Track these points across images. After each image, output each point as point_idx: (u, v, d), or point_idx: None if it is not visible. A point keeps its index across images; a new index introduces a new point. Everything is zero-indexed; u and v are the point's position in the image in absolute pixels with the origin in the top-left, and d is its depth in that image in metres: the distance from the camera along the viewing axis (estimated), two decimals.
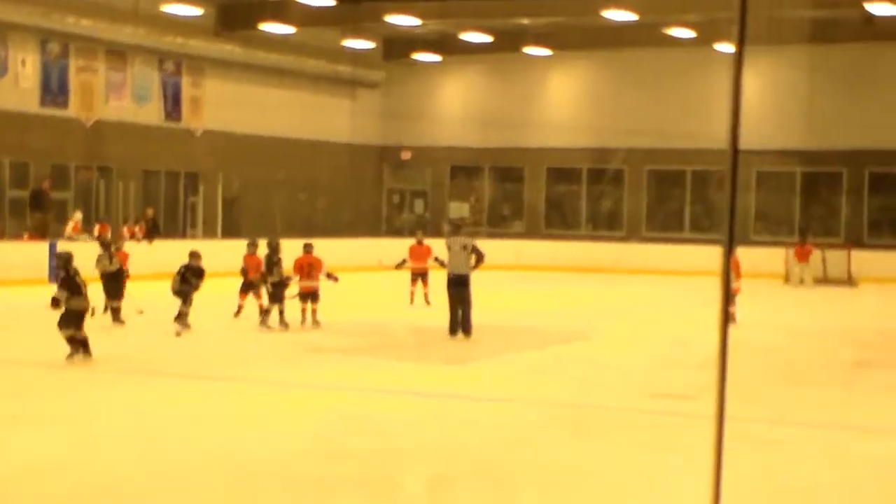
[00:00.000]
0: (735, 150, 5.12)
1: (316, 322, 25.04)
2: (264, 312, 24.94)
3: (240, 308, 26.60)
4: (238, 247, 27.85)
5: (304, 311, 25.01)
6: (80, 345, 18.16)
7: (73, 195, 39.85)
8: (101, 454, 13.24)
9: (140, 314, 25.73)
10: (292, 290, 25.03)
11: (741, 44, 4.64)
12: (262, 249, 26.02)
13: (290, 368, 19.55)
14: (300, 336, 23.64)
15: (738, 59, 4.60)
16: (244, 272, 26.74)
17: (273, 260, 25.03)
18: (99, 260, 25.61)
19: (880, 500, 12.28)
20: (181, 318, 23.86)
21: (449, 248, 24.29)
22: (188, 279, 24.19)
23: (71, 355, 18.15)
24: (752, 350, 22.20)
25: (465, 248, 23.99)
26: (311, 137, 47.80)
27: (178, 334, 23.37)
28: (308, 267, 25.31)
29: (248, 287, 26.61)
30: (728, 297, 4.65)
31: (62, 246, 33.31)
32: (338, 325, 24.63)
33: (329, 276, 25.63)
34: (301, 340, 23.05)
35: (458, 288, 23.65)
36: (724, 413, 5.08)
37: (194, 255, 24.79)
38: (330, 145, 48.90)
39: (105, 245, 26.73)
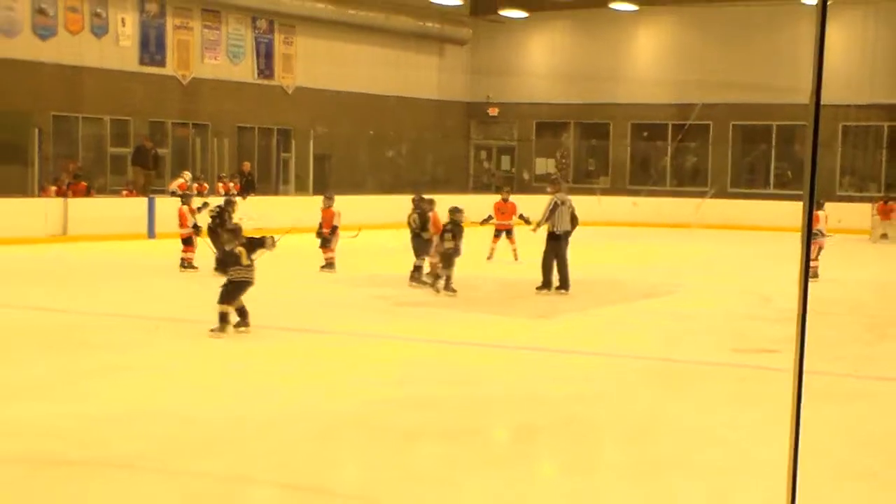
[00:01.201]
0: (818, 104, 5.06)
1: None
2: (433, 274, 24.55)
3: (327, 262, 26.77)
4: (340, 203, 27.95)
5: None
6: (239, 315, 17.77)
7: (171, 151, 40.13)
8: (196, 401, 13.48)
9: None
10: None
11: None
12: (337, 204, 26.71)
13: (379, 321, 19.63)
14: (386, 290, 23.69)
15: (821, 11, 4.52)
16: (320, 226, 26.92)
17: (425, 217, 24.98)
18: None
19: None
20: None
21: (559, 204, 24.22)
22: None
23: (218, 329, 17.54)
24: (835, 305, 22.11)
25: (568, 206, 24.04)
26: (400, 94, 47.94)
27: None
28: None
29: (325, 240, 26.80)
30: (808, 251, 4.56)
31: (163, 203, 33.60)
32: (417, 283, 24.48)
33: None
34: (389, 294, 23.11)
35: (560, 243, 23.69)
36: (803, 366, 5.03)
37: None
38: (418, 101, 48.98)
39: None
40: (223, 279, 18.66)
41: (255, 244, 17.80)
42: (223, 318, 17.49)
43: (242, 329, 17.67)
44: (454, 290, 22.94)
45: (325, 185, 32.55)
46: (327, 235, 26.86)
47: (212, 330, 17.38)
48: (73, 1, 36.92)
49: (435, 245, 23.92)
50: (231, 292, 17.58)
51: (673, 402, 14.15)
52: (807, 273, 5.46)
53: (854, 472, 11.36)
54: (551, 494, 10.15)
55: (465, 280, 24.47)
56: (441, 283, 23.28)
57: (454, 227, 23.17)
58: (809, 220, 4.69)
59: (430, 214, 24.92)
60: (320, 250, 26.93)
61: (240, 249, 17.62)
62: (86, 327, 19.02)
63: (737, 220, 42.06)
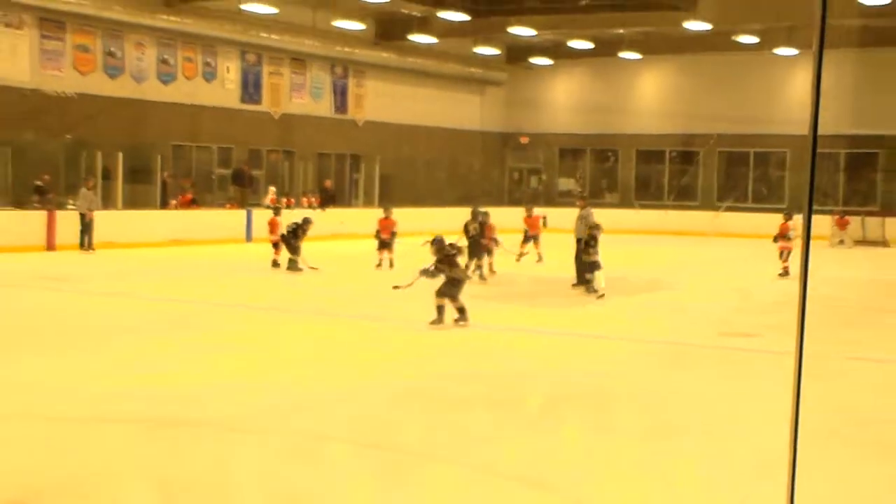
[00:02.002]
0: (815, 137, 4.90)
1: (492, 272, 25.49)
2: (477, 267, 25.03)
3: (380, 262, 26.79)
4: (399, 214, 28.10)
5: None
6: (458, 311, 17.15)
7: (265, 173, 40.37)
8: (287, 374, 13.48)
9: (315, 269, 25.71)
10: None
11: (821, 44, 4.39)
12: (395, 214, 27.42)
13: (432, 311, 19.57)
14: (438, 284, 23.62)
15: (818, 58, 4.36)
16: (377, 232, 27.08)
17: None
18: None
19: None
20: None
21: (580, 216, 24.23)
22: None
23: (436, 321, 17.09)
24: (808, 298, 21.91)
25: (582, 217, 24.04)
26: (449, 126, 48.09)
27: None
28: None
29: (382, 244, 26.87)
30: (808, 255, 4.38)
31: (259, 214, 33.69)
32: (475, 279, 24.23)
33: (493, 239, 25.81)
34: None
35: (578, 247, 23.62)
36: (803, 349, 4.88)
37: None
38: (463, 132, 49.15)
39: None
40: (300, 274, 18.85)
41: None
42: (440, 310, 17.03)
43: (462, 324, 17.11)
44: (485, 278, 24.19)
45: (389, 200, 32.61)
46: (386, 240, 26.96)
47: (431, 322, 16.98)
48: (189, 52, 37.08)
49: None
50: (449, 288, 17.13)
51: (673, 378, 14.12)
52: (806, 270, 5.32)
53: (826, 432, 11.19)
54: (577, 451, 10.10)
55: (502, 277, 24.43)
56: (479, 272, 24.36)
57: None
58: (808, 230, 4.51)
59: (488, 223, 25.30)
60: (376, 251, 26.97)
61: (456, 252, 17.48)
62: (199, 314, 19.18)
63: (722, 229, 41.96)
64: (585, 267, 23.03)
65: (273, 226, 26.58)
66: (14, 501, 8.11)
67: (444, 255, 17.23)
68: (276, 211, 27.64)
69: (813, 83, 4.21)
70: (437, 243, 17.39)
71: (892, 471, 9.70)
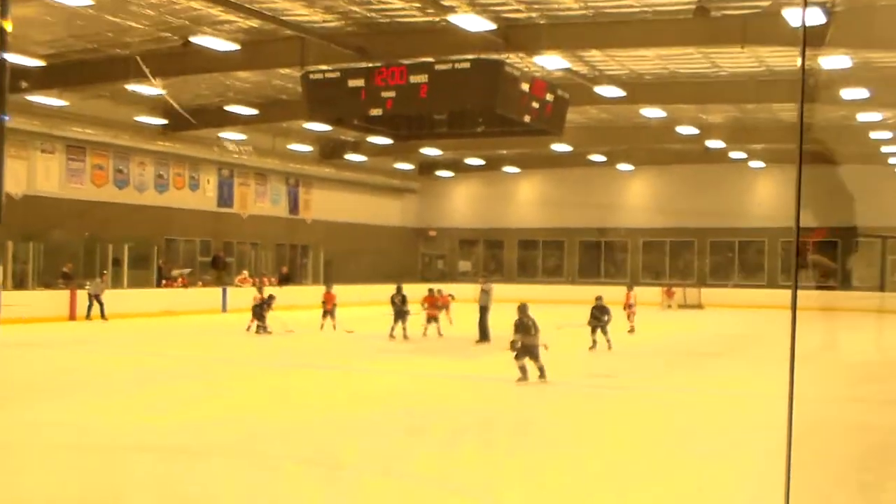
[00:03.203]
0: (798, 232, 5.05)
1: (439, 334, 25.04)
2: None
3: (322, 325, 26.40)
4: (338, 289, 28.00)
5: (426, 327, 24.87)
6: (538, 370, 16.13)
7: (236, 259, 40.19)
8: (255, 410, 13.52)
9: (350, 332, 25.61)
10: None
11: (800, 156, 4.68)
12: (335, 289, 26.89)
13: (373, 360, 19.66)
14: (378, 342, 23.71)
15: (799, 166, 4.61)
16: (323, 303, 26.76)
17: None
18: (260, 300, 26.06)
19: (737, 434, 12.36)
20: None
21: (483, 290, 24.43)
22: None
23: (521, 379, 16.08)
24: (645, 345, 22.33)
25: (486, 291, 24.29)
26: (375, 223, 48.06)
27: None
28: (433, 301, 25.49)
29: (326, 312, 26.49)
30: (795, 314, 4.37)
31: (232, 291, 33.80)
32: (400, 339, 24.35)
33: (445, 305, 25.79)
34: (376, 345, 23.11)
35: (484, 314, 23.84)
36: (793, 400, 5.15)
37: None
38: (386, 227, 49.14)
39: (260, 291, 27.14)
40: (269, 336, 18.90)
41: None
42: (522, 370, 16.05)
43: (542, 381, 16.05)
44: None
45: (330, 279, 32.72)
46: (329, 308, 26.56)
47: (518, 380, 16.05)
48: (179, 169, 37.10)
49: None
50: (520, 353, 16.03)
51: (550, 407, 14.33)
52: (794, 324, 5.10)
53: (670, 446, 11.55)
54: (514, 453, 10.31)
55: (418, 338, 24.41)
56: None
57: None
58: (794, 300, 4.69)
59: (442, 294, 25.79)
60: (321, 318, 26.46)
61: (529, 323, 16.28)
62: (192, 366, 19.10)
63: (582, 298, 42.40)
64: (486, 332, 23.34)
65: (256, 299, 26.33)
66: None
67: (523, 324, 16.32)
68: (260, 290, 27.42)
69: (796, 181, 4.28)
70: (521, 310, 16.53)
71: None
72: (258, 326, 25.40)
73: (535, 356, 15.99)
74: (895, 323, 31.55)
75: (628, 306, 26.79)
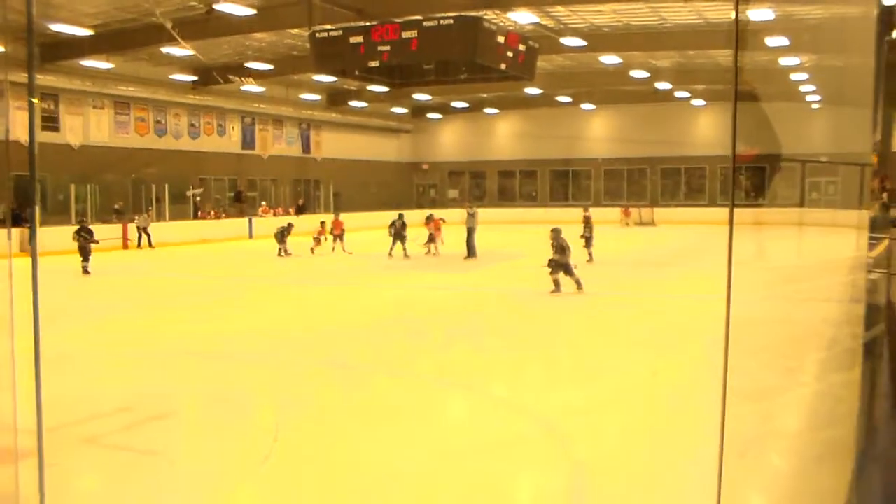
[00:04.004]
0: (734, 159, 4.99)
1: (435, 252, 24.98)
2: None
3: (333, 248, 26.15)
4: (345, 217, 27.91)
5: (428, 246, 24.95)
6: (575, 283, 15.77)
7: (258, 194, 40.11)
8: (280, 323, 13.57)
9: (350, 254, 25.37)
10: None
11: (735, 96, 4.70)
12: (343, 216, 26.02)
13: (377, 277, 19.74)
14: (380, 261, 23.70)
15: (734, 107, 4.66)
16: (332, 229, 26.46)
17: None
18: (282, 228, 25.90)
19: (686, 329, 12.44)
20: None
21: (469, 214, 24.41)
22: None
23: (554, 291, 15.77)
24: (607, 255, 22.42)
25: (473, 214, 24.28)
26: (376, 159, 48.03)
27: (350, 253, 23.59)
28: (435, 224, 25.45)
29: (336, 237, 26.25)
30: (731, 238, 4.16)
31: (256, 221, 33.74)
32: (399, 257, 24.38)
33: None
34: (379, 264, 23.17)
35: (471, 234, 23.89)
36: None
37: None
38: (386, 163, 49.12)
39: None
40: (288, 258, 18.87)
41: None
42: (556, 283, 15.80)
43: (579, 292, 15.72)
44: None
45: (339, 208, 32.71)
46: (338, 234, 26.47)
47: (551, 291, 15.81)
48: (208, 118, 36.89)
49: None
50: (556, 267, 15.81)
51: (517, 312, 14.43)
52: (730, 236, 4.56)
53: (632, 341, 11.71)
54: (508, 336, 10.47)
55: (416, 257, 24.48)
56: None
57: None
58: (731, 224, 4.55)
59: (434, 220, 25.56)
60: (332, 242, 26.31)
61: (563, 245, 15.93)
62: (225, 284, 19.15)
63: (554, 219, 42.43)
64: (473, 249, 23.38)
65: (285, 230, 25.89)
66: (127, 406, 8.38)
67: (559, 244, 15.98)
68: (289, 227, 26.30)
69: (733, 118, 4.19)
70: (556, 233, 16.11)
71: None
72: (280, 250, 25.41)
73: (570, 272, 15.86)
74: (812, 233, 31.67)
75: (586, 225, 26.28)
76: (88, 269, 20.44)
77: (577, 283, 15.83)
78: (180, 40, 23.77)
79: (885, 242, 13.44)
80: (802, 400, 8.25)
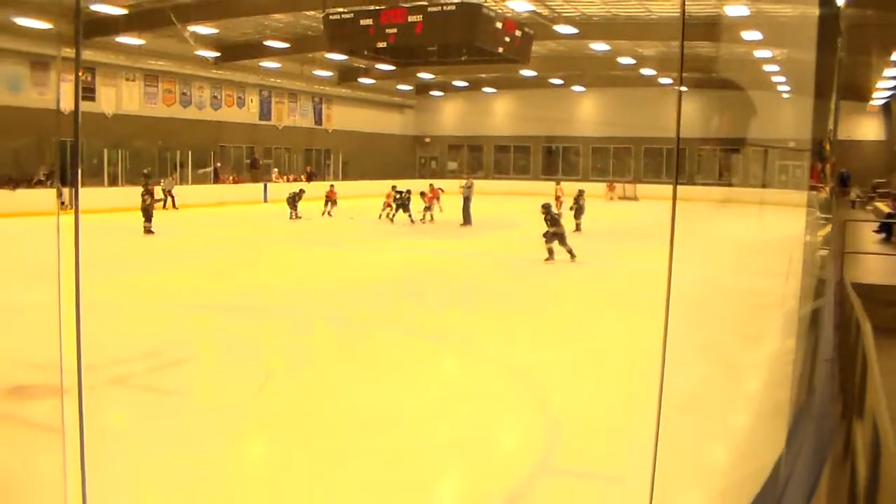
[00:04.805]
0: (679, 142, 5.05)
1: (432, 219, 24.55)
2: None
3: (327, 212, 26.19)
4: (355, 185, 27.88)
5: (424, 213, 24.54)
6: (568, 253, 15.61)
7: (273, 161, 40.02)
8: (284, 278, 13.68)
9: (351, 219, 25.16)
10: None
11: (680, 79, 4.77)
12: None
13: (380, 240, 19.85)
14: (383, 226, 23.76)
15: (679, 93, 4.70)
16: (328, 196, 26.47)
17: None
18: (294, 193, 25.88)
19: (652, 296, 12.66)
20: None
21: (465, 185, 24.44)
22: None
23: (548, 259, 15.66)
24: (594, 225, 22.45)
25: (468, 185, 24.34)
26: (382, 132, 47.78)
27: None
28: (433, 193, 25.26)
29: (331, 202, 26.26)
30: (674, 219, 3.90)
31: (271, 186, 33.62)
32: (401, 223, 24.47)
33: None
34: (382, 228, 23.24)
35: (467, 203, 23.92)
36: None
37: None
38: (391, 135, 48.82)
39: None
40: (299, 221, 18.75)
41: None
42: (550, 252, 15.73)
43: (573, 261, 15.53)
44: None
45: (346, 175, 32.63)
46: (332, 198, 26.65)
47: (545, 259, 15.70)
48: (229, 91, 36.71)
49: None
50: (551, 238, 15.76)
51: (510, 277, 14.54)
52: (674, 211, 4.61)
53: (614, 305, 11.78)
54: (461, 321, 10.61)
55: (417, 223, 24.46)
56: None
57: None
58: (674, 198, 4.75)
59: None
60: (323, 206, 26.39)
61: (559, 215, 16.11)
62: (242, 244, 19.14)
63: (543, 191, 42.49)
64: (469, 217, 23.34)
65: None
66: (153, 351, 8.56)
67: (551, 217, 15.87)
68: (300, 192, 26.11)
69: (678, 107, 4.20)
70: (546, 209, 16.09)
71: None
72: (291, 213, 25.47)
73: (563, 242, 15.82)
74: (774, 211, 31.74)
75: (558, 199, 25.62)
76: (152, 229, 20.12)
77: (570, 252, 15.76)
78: (176, 22, 23.94)
79: (829, 226, 13.51)
80: (760, 363, 8.44)
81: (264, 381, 7.35)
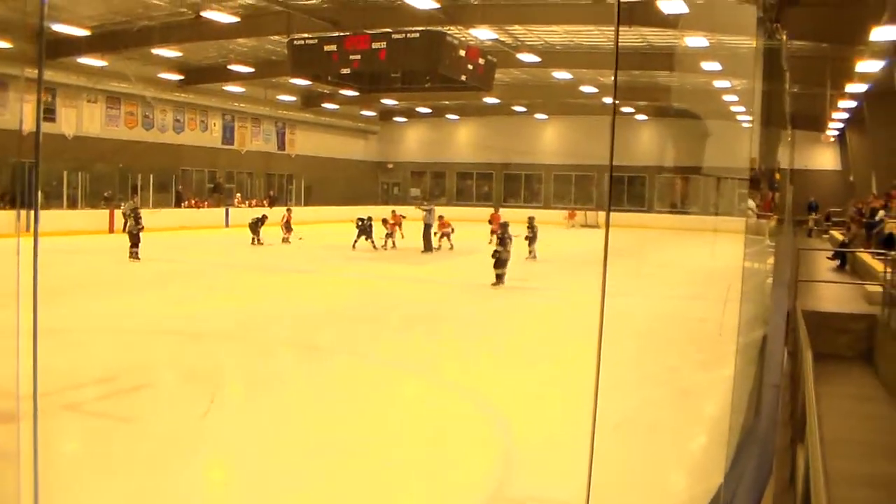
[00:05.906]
0: (611, 170, 5.33)
1: (393, 246, 24.67)
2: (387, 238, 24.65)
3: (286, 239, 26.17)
4: (317, 211, 27.76)
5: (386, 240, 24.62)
6: (502, 279, 16.02)
7: (236, 186, 39.84)
8: (244, 303, 13.62)
9: (300, 239, 25.41)
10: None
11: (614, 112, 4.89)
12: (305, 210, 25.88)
13: (340, 266, 19.82)
14: (344, 252, 23.73)
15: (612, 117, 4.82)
16: (286, 221, 26.25)
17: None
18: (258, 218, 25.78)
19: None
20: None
21: (426, 210, 24.54)
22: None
23: (495, 284, 15.93)
24: (546, 252, 22.59)
25: (430, 211, 24.46)
26: (345, 157, 47.79)
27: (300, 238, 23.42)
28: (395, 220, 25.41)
29: (287, 229, 26.03)
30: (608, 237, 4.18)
31: (233, 210, 33.48)
32: (362, 249, 24.42)
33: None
34: (343, 255, 23.21)
35: (428, 229, 24.02)
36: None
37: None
38: (354, 161, 48.82)
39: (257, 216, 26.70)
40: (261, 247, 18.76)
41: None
42: (498, 277, 15.98)
43: (495, 285, 15.95)
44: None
45: (308, 200, 32.57)
46: (289, 222, 26.34)
47: (493, 284, 16.00)
48: (192, 114, 36.59)
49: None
50: (498, 263, 16.13)
51: (473, 303, 14.59)
52: (606, 239, 4.44)
53: (564, 332, 11.89)
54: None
55: (378, 249, 24.44)
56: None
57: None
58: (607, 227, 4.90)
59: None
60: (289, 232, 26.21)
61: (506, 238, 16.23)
62: (202, 269, 19.19)
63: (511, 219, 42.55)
64: (430, 244, 23.44)
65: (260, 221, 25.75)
66: (108, 377, 8.49)
67: (503, 238, 16.16)
68: (263, 218, 26.18)
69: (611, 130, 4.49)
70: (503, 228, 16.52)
71: None
72: (253, 239, 25.35)
73: (502, 264, 16.13)
74: (726, 239, 32.16)
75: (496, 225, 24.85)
76: (138, 255, 19.70)
77: (499, 277, 16.03)
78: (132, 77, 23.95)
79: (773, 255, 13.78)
80: (713, 387, 8.59)
81: (209, 407, 7.35)
